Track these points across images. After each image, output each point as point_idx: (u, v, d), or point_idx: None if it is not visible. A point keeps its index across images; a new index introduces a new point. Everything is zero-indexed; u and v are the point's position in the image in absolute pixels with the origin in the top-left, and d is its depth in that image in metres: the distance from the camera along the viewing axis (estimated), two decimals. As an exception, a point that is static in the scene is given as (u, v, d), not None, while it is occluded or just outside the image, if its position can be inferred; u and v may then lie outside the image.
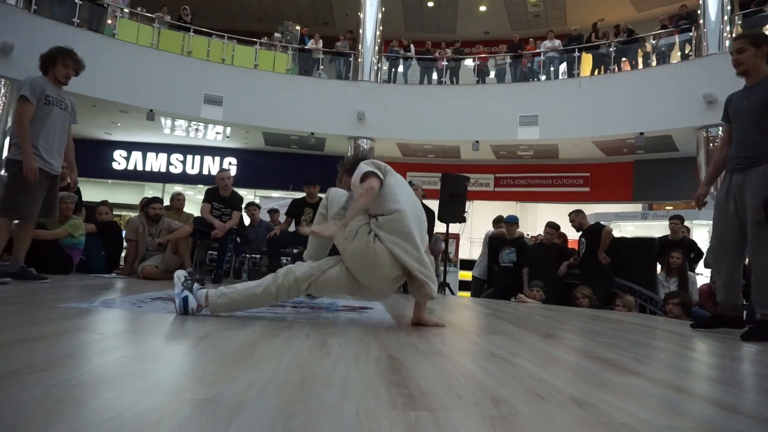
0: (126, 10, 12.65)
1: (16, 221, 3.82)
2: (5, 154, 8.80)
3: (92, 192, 12.10)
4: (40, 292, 2.96)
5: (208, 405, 0.87)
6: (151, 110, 11.60)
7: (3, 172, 5.41)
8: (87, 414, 0.81)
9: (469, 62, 14.01)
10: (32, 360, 1.14)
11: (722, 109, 3.25)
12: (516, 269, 6.44)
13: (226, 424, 0.78)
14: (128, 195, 15.04)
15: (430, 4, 15.74)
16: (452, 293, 6.92)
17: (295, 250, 6.10)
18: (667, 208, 13.02)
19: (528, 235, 9.08)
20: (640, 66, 12.25)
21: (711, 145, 10.38)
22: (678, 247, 5.91)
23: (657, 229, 11.89)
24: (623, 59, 12.27)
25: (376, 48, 13.37)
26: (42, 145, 3.58)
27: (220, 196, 5.79)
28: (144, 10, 12.96)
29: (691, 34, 11.41)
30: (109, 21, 12.16)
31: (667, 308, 4.74)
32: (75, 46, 3.89)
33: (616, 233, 7.11)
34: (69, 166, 3.98)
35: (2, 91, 10.34)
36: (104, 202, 6.02)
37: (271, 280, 2.25)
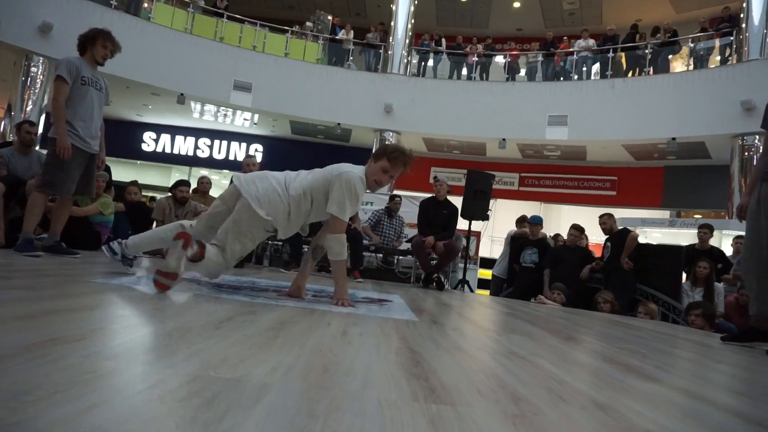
0: (162, -6, 12.84)
1: (51, 198, 3.94)
2: (40, 130, 9.04)
3: (121, 172, 12.37)
4: (71, 266, 3.04)
5: (234, 384, 0.89)
6: (181, 94, 11.77)
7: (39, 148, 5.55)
8: (119, 385, 0.84)
9: (499, 59, 13.85)
10: (67, 330, 1.17)
11: (761, 117, 3.16)
12: (537, 270, 6.38)
13: (253, 404, 0.79)
14: (155, 176, 15.32)
15: (464, -2, 15.60)
16: (471, 290, 6.89)
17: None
18: (695, 216, 12.73)
19: (550, 236, 8.97)
20: (677, 69, 11.95)
21: (746, 153, 10.10)
22: (706, 257, 5.78)
23: (684, 237, 11.64)
24: (670, 57, 11.94)
25: (407, 41, 13.31)
26: (79, 125, 3.66)
27: (247, 181, 5.85)
28: (180, -5, 13.14)
29: (731, 38, 11.09)
30: (146, 4, 12.34)
31: (689, 318, 4.66)
32: (112, 28, 3.97)
33: (643, 239, 7.00)
34: (99, 145, 4.06)
35: (41, 69, 10.60)
36: (134, 183, 6.15)
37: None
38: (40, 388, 0.74)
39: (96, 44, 3.76)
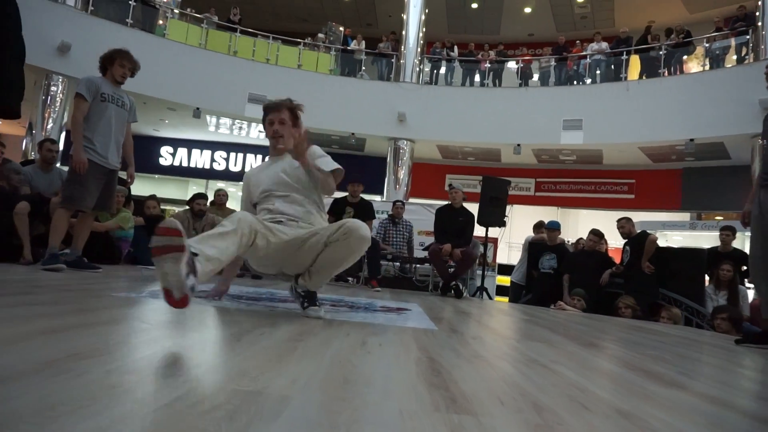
0: (176, 11, 13.08)
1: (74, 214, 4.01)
2: (61, 148, 9.22)
3: (139, 186, 12.54)
4: (92, 280, 3.09)
5: (255, 397, 0.89)
6: (197, 108, 11.93)
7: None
8: (143, 399, 0.84)
9: (512, 64, 13.83)
10: (89, 345, 1.19)
11: None
12: (556, 276, 6.32)
13: (274, 417, 0.80)
14: (173, 190, 15.54)
15: (474, 5, 15.62)
16: (489, 297, 6.85)
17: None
18: (716, 218, 12.52)
19: (569, 241, 8.89)
20: (692, 69, 11.81)
21: (767, 153, 9.91)
22: (729, 260, 5.67)
23: (705, 239, 11.45)
24: (684, 57, 11.80)
25: (419, 49, 13.36)
26: (98, 140, 3.74)
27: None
28: (193, 11, 13.37)
29: (747, 36, 10.93)
30: (160, 21, 12.59)
31: (714, 323, 4.57)
32: (128, 46, 4.06)
33: (663, 242, 6.90)
34: (127, 161, 4.11)
35: (60, 87, 10.84)
36: (152, 197, 6.24)
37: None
38: (64, 403, 0.75)
39: (114, 64, 3.85)
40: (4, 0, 2.57)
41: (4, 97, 2.57)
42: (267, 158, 2.72)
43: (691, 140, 10.79)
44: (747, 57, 10.90)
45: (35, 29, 9.94)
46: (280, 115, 2.57)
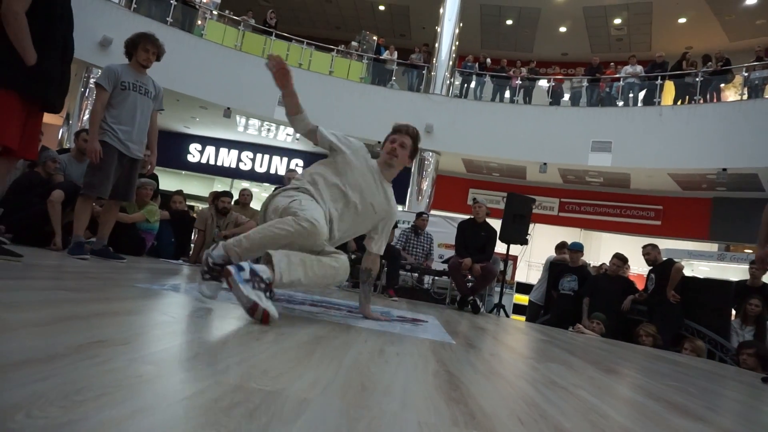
0: (215, 12, 13.35)
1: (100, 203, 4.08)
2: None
3: (166, 181, 12.77)
4: (117, 270, 3.14)
5: (275, 397, 0.89)
6: (228, 108, 12.11)
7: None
8: (164, 391, 0.85)
9: (543, 83, 13.74)
10: (113, 333, 1.20)
11: None
12: (576, 298, 6.21)
13: (293, 419, 0.79)
14: (198, 187, 15.77)
15: (509, 22, 15.59)
16: (506, 315, 6.76)
17: (352, 256, 6.17)
18: (746, 250, 12.18)
19: (590, 264, 8.75)
20: (729, 98, 11.57)
21: (803, 188, 9.64)
22: (757, 294, 5.50)
23: (733, 271, 11.15)
24: (722, 85, 11.58)
25: (450, 62, 13.38)
26: (120, 128, 3.73)
27: (287, 194, 5.99)
28: (231, 13, 13.62)
29: (789, 68, 10.69)
30: (199, 22, 12.85)
31: (740, 358, 4.43)
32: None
33: (688, 272, 6.73)
34: (150, 149, 4.06)
35: (98, 80, 11.13)
36: (179, 192, 6.34)
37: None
38: (89, 389, 0.76)
39: (138, 48, 3.85)
40: (58, 2, 2.66)
41: (47, 94, 2.65)
42: (368, 157, 2.67)
43: (724, 170, 10.55)
44: (787, 88, 10.65)
45: (80, 23, 10.20)
46: (404, 140, 2.66)
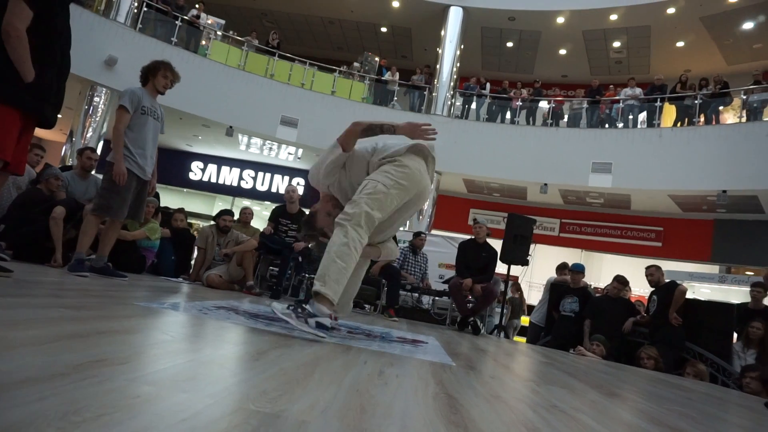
0: (219, 33, 13.54)
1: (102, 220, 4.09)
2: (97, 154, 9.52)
3: (168, 198, 12.82)
4: (117, 288, 3.13)
5: (273, 420, 0.88)
6: (230, 126, 12.21)
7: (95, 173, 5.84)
8: (162, 412, 0.84)
9: (543, 104, 13.86)
10: (112, 352, 1.20)
11: None
12: (577, 319, 6.18)
13: (292, 442, 0.79)
14: (200, 205, 15.81)
15: (510, 44, 15.79)
16: (507, 336, 6.72)
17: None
18: (747, 273, 12.14)
19: (591, 285, 8.72)
20: (728, 120, 11.66)
21: (803, 210, 9.65)
22: (759, 317, 5.47)
23: (735, 294, 11.10)
24: (720, 108, 11.68)
25: (452, 83, 13.51)
26: (137, 152, 3.84)
27: (287, 212, 6.01)
28: (235, 34, 13.82)
29: (787, 91, 10.80)
30: (203, 42, 13.03)
31: (743, 381, 4.39)
32: (171, 63, 4.19)
33: (690, 294, 6.70)
34: (152, 171, 4.20)
35: (103, 98, 11.25)
36: (180, 210, 6.35)
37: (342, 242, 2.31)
38: (88, 409, 0.76)
39: (157, 75, 3.96)
40: (57, 18, 2.70)
41: (42, 109, 2.68)
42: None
43: (724, 192, 10.57)
44: (786, 112, 10.74)
45: (86, 42, 10.41)
46: None
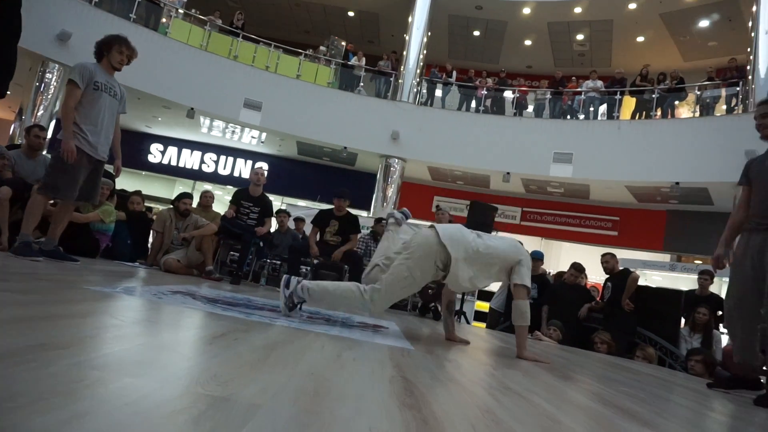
0: (181, 11, 13.10)
1: (52, 202, 3.93)
2: (49, 135, 9.11)
3: (125, 181, 12.40)
4: (68, 272, 3.02)
5: (222, 403, 0.86)
6: (191, 108, 11.88)
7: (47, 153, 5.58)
8: (106, 396, 0.81)
9: (508, 94, 14.03)
10: (56, 336, 1.15)
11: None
12: (535, 306, 6.32)
13: (240, 425, 0.77)
14: (159, 188, 15.38)
15: (476, 33, 15.86)
16: (467, 322, 6.82)
17: (315, 261, 6.13)
18: (696, 261, 12.69)
19: (550, 273, 8.94)
20: (683, 115, 12.08)
21: (749, 202, 10.12)
22: (705, 303, 5.73)
23: (683, 281, 11.57)
24: (676, 102, 12.07)
25: (418, 71, 13.51)
26: (89, 129, 3.65)
27: (250, 195, 5.90)
28: (198, 12, 13.40)
29: (738, 88, 11.24)
30: (164, 20, 12.57)
31: (689, 364, 4.60)
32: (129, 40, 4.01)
33: (642, 282, 6.95)
34: (114, 153, 4.00)
35: (55, 75, 10.75)
36: (137, 192, 6.16)
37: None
38: (24, 395, 0.72)
39: (112, 50, 3.78)
40: None
41: (5, 82, 2.52)
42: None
43: (677, 183, 10.97)
44: (736, 107, 11.18)
45: (38, 15, 9.90)
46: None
